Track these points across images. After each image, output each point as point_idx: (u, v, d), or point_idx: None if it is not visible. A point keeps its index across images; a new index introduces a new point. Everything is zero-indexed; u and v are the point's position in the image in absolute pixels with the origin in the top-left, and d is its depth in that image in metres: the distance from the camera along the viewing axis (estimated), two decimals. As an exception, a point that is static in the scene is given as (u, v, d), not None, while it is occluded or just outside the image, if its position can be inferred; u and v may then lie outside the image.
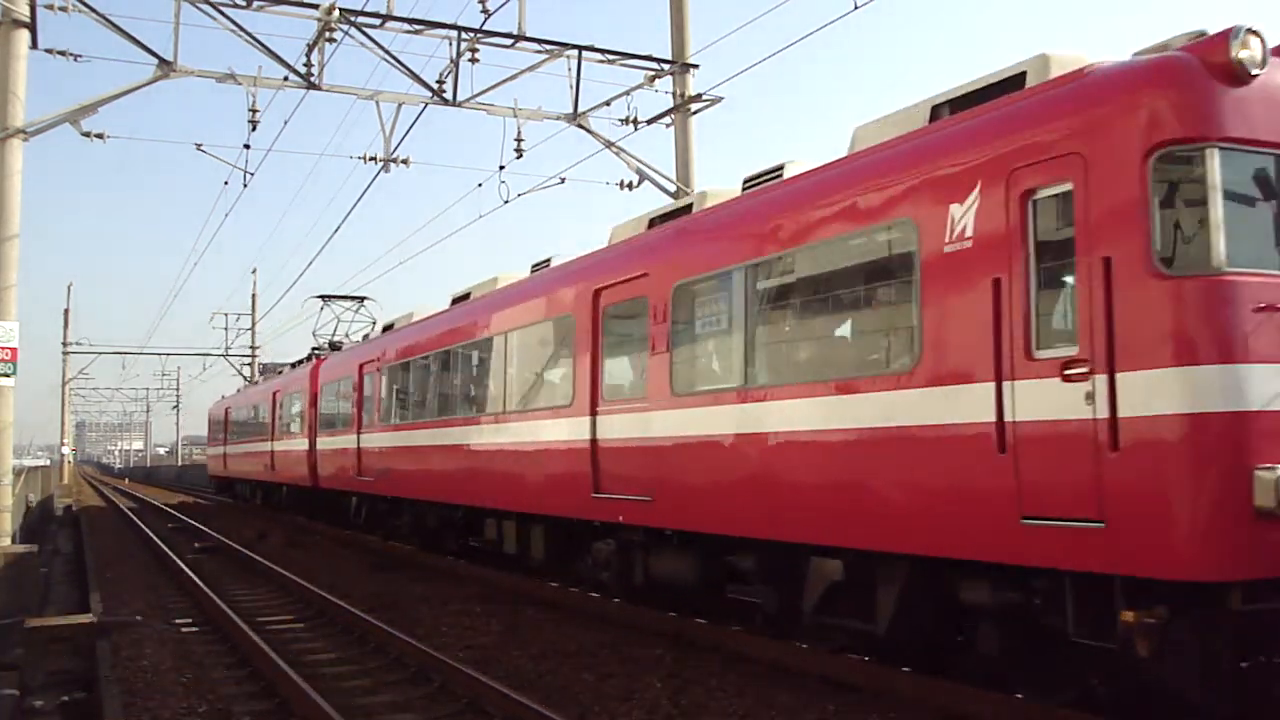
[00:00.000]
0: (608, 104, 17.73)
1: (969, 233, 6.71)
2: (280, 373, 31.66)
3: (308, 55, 15.96)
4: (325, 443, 22.52)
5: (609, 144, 17.82)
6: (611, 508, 10.59)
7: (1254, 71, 5.83)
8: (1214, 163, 5.76)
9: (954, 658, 7.64)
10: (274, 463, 28.39)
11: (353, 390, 20.11)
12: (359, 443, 19.41)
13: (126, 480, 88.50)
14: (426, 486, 16.17)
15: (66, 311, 55.02)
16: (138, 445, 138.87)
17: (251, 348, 53.49)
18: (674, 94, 17.66)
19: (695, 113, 17.88)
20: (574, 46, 17.05)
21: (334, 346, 26.11)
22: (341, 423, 21.24)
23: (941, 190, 6.97)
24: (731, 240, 9.32)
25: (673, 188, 17.62)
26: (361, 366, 19.65)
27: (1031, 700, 6.91)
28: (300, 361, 28.84)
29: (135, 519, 28.41)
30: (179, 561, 16.72)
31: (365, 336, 23.50)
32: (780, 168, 9.30)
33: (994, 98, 7.16)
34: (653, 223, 11.15)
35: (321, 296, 27.30)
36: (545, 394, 12.56)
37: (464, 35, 16.23)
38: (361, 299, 27.49)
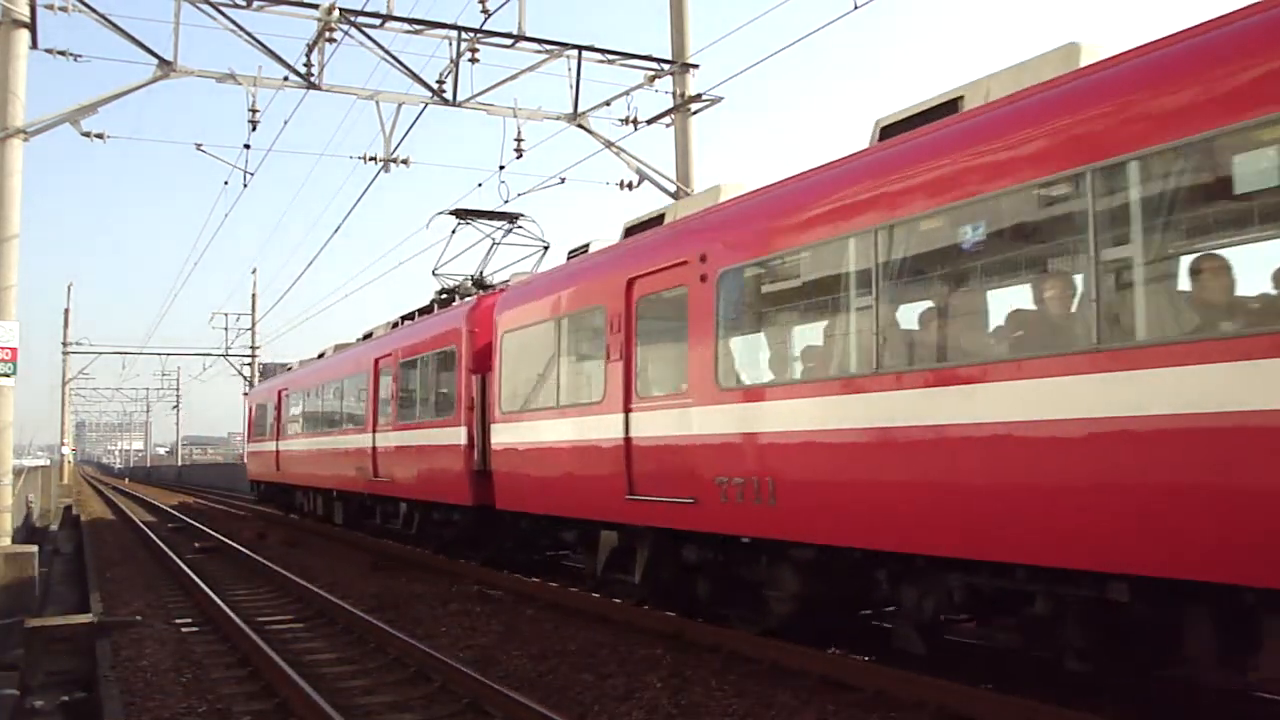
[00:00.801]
0: (608, 104, 17.76)
1: None
2: (370, 336, 22.06)
3: (308, 55, 16.00)
4: (510, 433, 13.65)
5: (609, 144, 17.84)
6: None
7: None
8: None
9: (953, 658, 7.62)
10: (377, 465, 19.23)
11: (611, 331, 11.22)
12: (629, 428, 10.77)
13: (127, 480, 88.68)
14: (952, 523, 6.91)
15: (67, 311, 55.30)
16: (138, 445, 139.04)
17: (251, 348, 53.69)
18: (674, 94, 17.69)
19: (695, 113, 17.90)
20: (574, 46, 17.07)
21: (480, 285, 17.79)
22: (570, 395, 12.27)
23: None
24: None
25: (673, 188, 17.65)
26: (630, 284, 10.90)
27: (1031, 700, 6.91)
28: (413, 314, 19.65)
29: (135, 520, 28.43)
30: (179, 561, 16.73)
31: (569, 256, 13.66)
32: None
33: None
34: None
35: (454, 212, 17.77)
36: None
37: (464, 35, 16.26)
38: (514, 216, 17.90)
